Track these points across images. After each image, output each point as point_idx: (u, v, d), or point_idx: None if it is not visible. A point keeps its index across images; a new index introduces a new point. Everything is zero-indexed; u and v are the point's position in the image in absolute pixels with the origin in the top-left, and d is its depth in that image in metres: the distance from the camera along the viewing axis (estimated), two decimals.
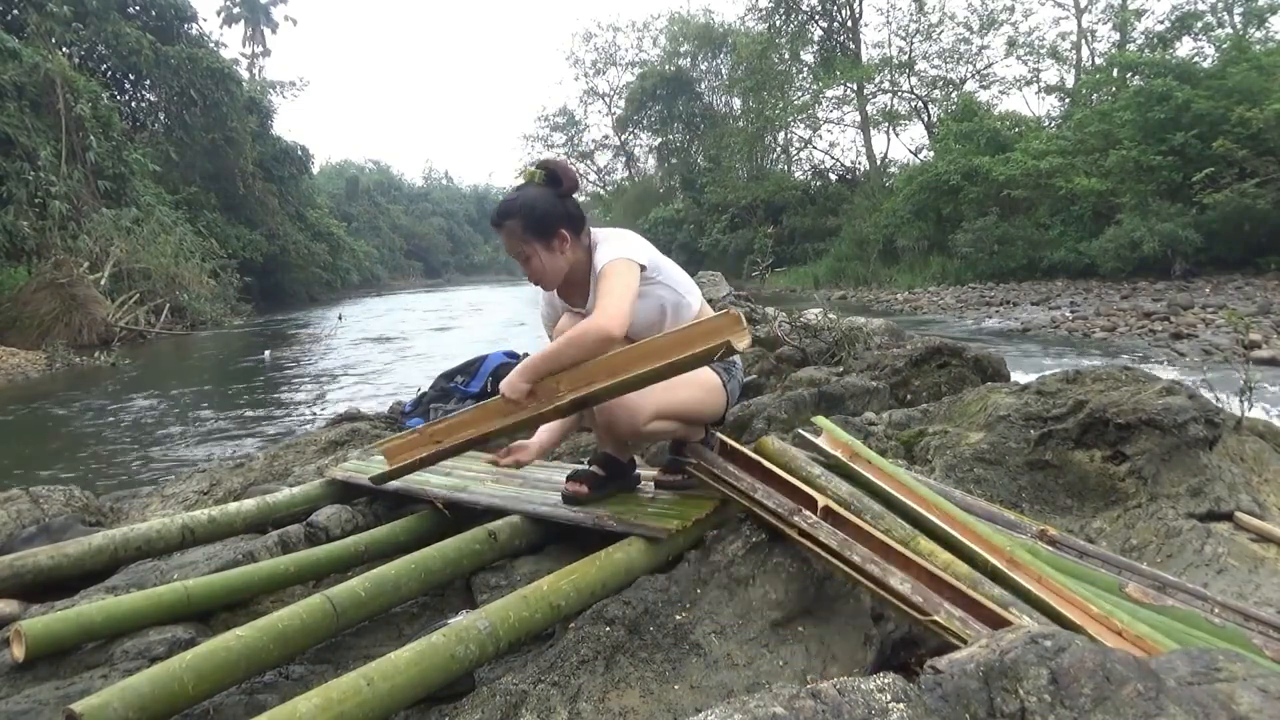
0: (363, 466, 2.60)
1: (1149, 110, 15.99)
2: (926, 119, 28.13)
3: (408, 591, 1.76)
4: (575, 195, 2.03)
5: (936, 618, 1.43)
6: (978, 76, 28.26)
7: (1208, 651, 1.10)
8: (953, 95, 27.45)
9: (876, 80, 28.76)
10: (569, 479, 2.15)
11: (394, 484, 2.25)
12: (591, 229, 2.05)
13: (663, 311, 2.05)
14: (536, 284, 2.07)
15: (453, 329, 15.79)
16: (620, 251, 1.95)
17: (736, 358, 2.14)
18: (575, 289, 2.08)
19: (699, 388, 2.06)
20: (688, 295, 2.08)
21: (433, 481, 2.38)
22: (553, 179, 1.99)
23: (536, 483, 2.36)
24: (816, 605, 1.65)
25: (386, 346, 13.52)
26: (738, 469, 1.85)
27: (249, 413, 7.75)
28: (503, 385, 1.90)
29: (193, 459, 5.66)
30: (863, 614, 1.66)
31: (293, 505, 2.43)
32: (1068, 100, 24.64)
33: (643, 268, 1.95)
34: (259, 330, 18.16)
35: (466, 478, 2.43)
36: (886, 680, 1.02)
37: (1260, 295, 11.60)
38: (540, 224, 1.95)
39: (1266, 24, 19.02)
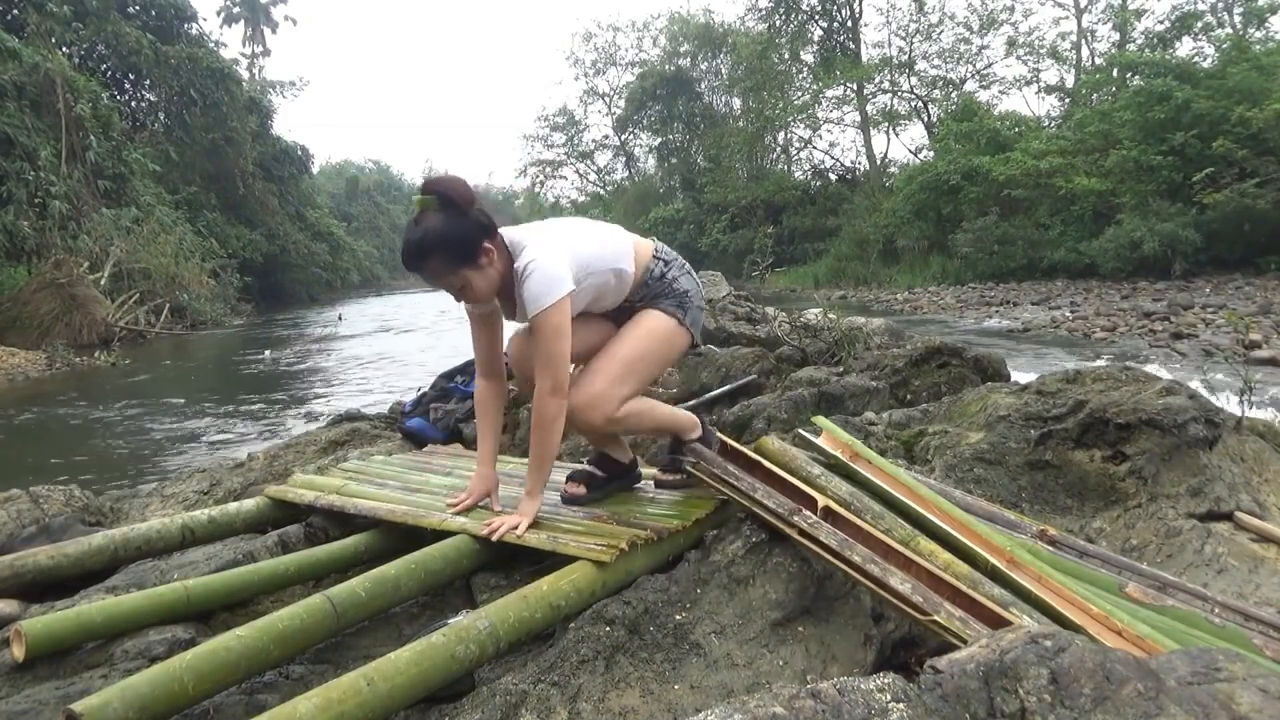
0: (312, 482, 2.49)
1: (1149, 110, 15.99)
2: (926, 119, 28.13)
3: (408, 591, 1.76)
4: (477, 203, 1.90)
5: (936, 618, 1.43)
6: (978, 76, 28.28)
7: (1208, 651, 1.10)
8: (953, 95, 27.47)
9: (876, 80, 28.78)
10: (567, 479, 2.14)
11: (340, 502, 2.22)
12: (502, 229, 1.95)
13: (600, 294, 2.03)
14: (474, 303, 1.98)
15: (452, 327, 15.79)
16: (546, 287, 1.84)
17: (688, 285, 2.11)
18: (500, 292, 2.00)
19: (654, 339, 2.03)
20: (619, 263, 2.01)
21: (379, 496, 2.29)
22: (447, 201, 1.86)
23: None
24: (816, 605, 1.65)
25: (386, 346, 13.52)
26: (738, 469, 1.85)
27: (249, 413, 7.75)
28: (519, 518, 1.88)
29: (193, 459, 5.66)
30: (863, 614, 1.66)
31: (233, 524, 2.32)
32: (1068, 100, 24.65)
33: (571, 292, 1.88)
34: (259, 330, 18.16)
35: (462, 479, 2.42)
36: (886, 680, 1.02)
37: (1260, 295, 11.60)
38: (464, 250, 1.85)
39: (1266, 24, 19.03)
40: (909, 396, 3.40)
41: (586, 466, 2.17)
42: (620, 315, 2.11)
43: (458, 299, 1.95)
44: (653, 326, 2.05)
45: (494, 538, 1.86)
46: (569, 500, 2.08)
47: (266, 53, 43.15)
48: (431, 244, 1.84)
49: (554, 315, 1.84)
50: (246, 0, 42.02)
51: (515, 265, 1.89)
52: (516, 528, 1.87)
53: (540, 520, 1.96)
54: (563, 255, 1.90)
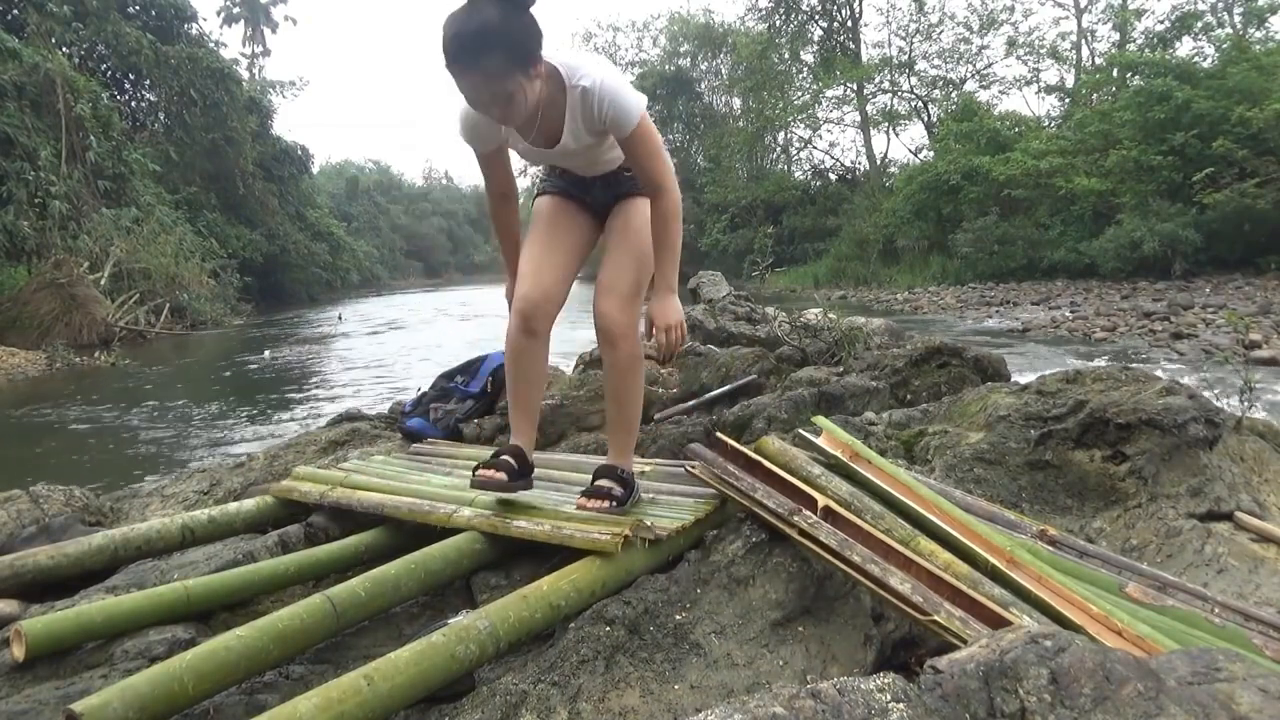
0: (317, 475, 2.48)
1: (1149, 110, 16.00)
2: (926, 119, 28.15)
3: (408, 591, 1.76)
4: None
5: (936, 618, 1.43)
6: (978, 76, 28.32)
7: (1208, 651, 1.10)
8: (953, 95, 27.50)
9: (876, 80, 28.81)
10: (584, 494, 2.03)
11: (345, 498, 2.22)
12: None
13: None
14: (508, 123, 1.78)
15: (452, 327, 15.80)
16: (632, 100, 1.77)
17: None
18: (539, 117, 1.80)
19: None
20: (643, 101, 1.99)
21: (386, 489, 2.28)
22: None
23: (539, 483, 2.34)
24: (816, 605, 1.65)
25: (386, 346, 13.52)
26: (738, 469, 1.85)
27: (249, 413, 7.75)
28: (669, 318, 1.88)
29: (193, 459, 5.66)
30: (863, 614, 1.66)
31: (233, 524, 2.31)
32: (1068, 100, 24.67)
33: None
34: (259, 330, 18.16)
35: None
36: (886, 680, 1.02)
37: (1260, 295, 11.60)
38: (526, 52, 1.63)
39: (1266, 24, 19.03)
40: (909, 396, 3.40)
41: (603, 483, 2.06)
42: (597, 199, 2.07)
43: (496, 117, 1.74)
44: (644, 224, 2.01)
45: (667, 352, 1.91)
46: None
47: (266, 53, 43.20)
48: (499, 38, 1.57)
49: (646, 122, 1.81)
50: (246, 0, 42.03)
51: (578, 84, 1.75)
52: (677, 331, 1.90)
53: (542, 509, 1.97)
54: (621, 76, 1.85)
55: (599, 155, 1.98)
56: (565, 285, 2.07)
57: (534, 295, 1.98)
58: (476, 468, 1.97)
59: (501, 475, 1.94)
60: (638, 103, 1.78)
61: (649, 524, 1.81)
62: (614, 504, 1.95)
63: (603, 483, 2.00)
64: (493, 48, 1.58)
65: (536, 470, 2.47)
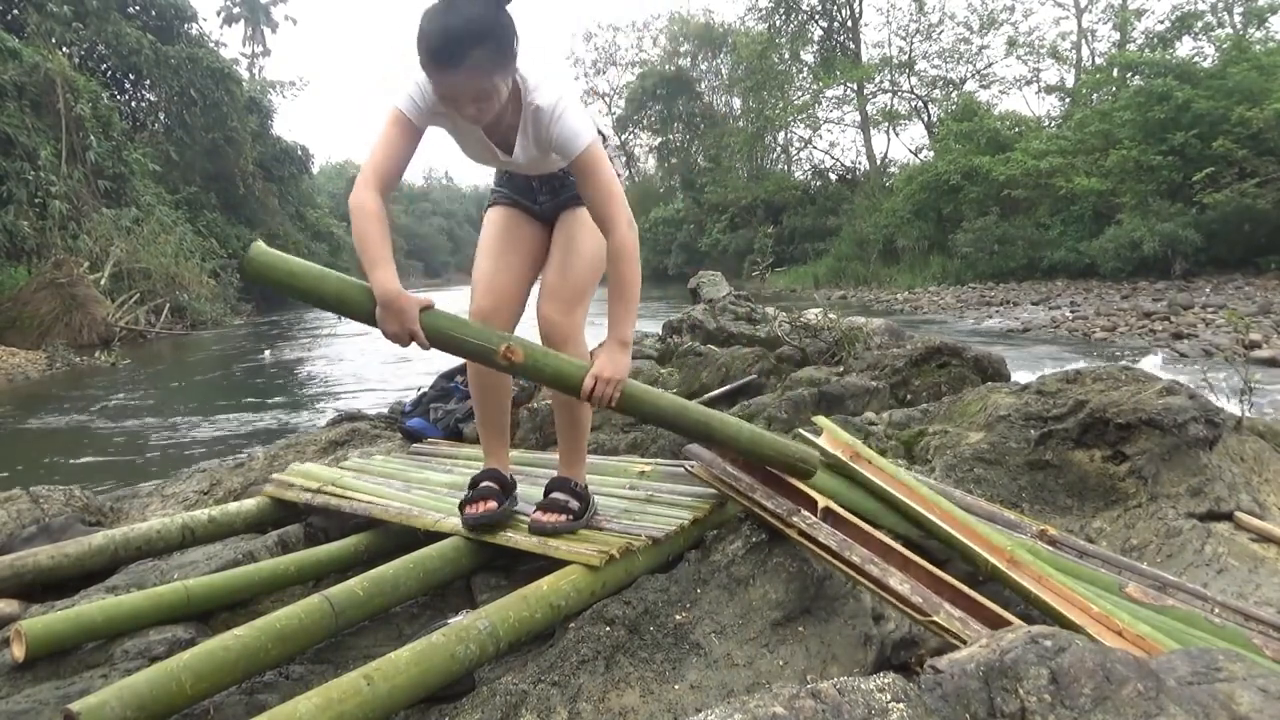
0: (310, 473, 2.48)
1: (1149, 110, 16.00)
2: (926, 119, 28.15)
3: (407, 591, 1.76)
4: None
5: (936, 618, 1.43)
6: (978, 76, 28.32)
7: (1208, 651, 1.10)
8: (953, 95, 27.50)
9: (876, 80, 28.81)
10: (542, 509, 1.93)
11: (335, 502, 2.22)
12: None
13: None
14: (481, 122, 1.68)
15: None
16: (584, 123, 1.69)
17: None
18: (494, 123, 1.72)
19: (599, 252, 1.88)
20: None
21: (376, 493, 2.27)
22: None
23: (533, 486, 2.35)
24: (816, 605, 1.65)
25: (386, 346, 13.49)
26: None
27: (249, 413, 7.74)
28: (606, 371, 1.64)
29: (193, 459, 5.66)
30: (863, 614, 1.66)
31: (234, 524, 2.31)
32: (1068, 100, 24.67)
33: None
34: (259, 330, 18.16)
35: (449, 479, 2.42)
36: (886, 680, 1.02)
37: (1260, 295, 11.60)
38: (509, 50, 1.58)
39: (1266, 24, 19.02)
40: (909, 396, 3.40)
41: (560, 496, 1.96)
42: (544, 206, 1.98)
43: (470, 116, 1.64)
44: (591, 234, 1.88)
45: (597, 405, 1.68)
46: (545, 531, 1.87)
47: (266, 53, 43.19)
48: (484, 32, 1.52)
49: (597, 148, 1.70)
50: (246, 0, 42.03)
51: (533, 101, 1.69)
52: (613, 388, 1.66)
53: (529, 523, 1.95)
54: (587, 115, 1.75)
55: (546, 163, 1.88)
56: (522, 291, 2.00)
57: (486, 305, 1.93)
58: (462, 504, 1.93)
59: (492, 504, 1.90)
60: (587, 130, 1.70)
61: (639, 540, 1.78)
62: (570, 518, 1.86)
63: (557, 495, 1.92)
64: (481, 42, 1.53)
65: (533, 471, 2.47)
